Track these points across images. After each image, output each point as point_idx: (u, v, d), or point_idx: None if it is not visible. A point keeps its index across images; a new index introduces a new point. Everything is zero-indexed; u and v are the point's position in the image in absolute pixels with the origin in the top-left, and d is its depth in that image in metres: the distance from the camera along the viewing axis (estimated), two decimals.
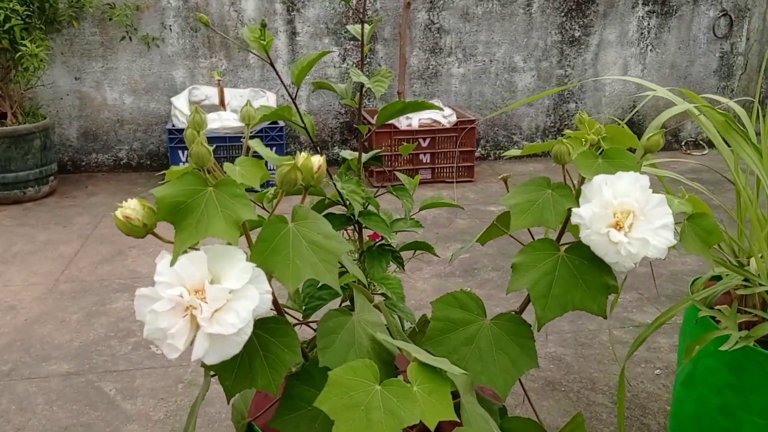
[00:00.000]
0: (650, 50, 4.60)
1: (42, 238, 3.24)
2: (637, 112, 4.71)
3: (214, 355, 0.76)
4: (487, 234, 1.18)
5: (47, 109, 4.10)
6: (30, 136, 3.71)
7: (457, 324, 1.05)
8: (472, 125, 4.06)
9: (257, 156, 0.93)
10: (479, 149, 4.59)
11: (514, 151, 1.12)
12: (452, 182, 4.07)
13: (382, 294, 1.19)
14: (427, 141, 4.09)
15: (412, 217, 1.33)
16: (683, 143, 4.86)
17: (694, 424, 1.46)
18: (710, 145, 4.84)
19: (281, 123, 3.99)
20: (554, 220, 1.00)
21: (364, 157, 1.24)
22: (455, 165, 3.99)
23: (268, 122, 3.94)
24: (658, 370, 2.06)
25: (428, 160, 4.10)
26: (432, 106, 1.20)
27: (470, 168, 4.12)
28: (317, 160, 0.93)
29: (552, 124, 4.65)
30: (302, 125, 1.08)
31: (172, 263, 0.76)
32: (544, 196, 1.04)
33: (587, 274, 0.99)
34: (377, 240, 1.24)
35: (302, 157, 0.93)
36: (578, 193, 1.04)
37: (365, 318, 0.94)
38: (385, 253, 1.19)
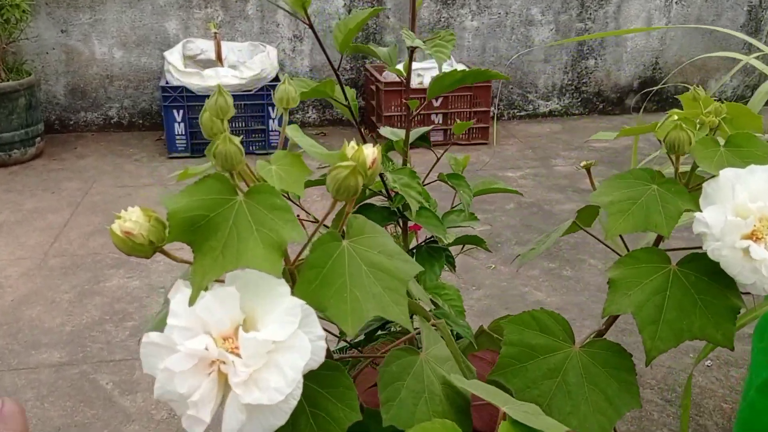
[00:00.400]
0: (675, 3, 4.32)
1: (29, 206, 3.01)
2: (660, 69, 4.46)
3: (253, 430, 0.55)
4: (563, 232, 0.97)
5: (32, 65, 3.82)
6: (14, 94, 3.44)
7: (537, 351, 0.84)
8: (488, 83, 3.81)
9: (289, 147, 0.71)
10: (492, 109, 4.34)
11: (606, 134, 0.90)
12: (466, 144, 3.84)
13: (433, 304, 0.98)
14: (440, 100, 3.84)
15: (454, 206, 1.11)
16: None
17: None
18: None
19: None
20: (665, 225, 0.79)
21: (412, 136, 1.02)
22: (472, 124, 3.76)
23: (269, 81, 3.68)
24: (709, 362, 1.88)
25: (440, 121, 3.86)
26: (497, 75, 0.97)
27: (485, 129, 3.89)
28: (371, 153, 0.71)
29: (569, 82, 4.40)
30: (346, 103, 0.86)
31: (192, 302, 0.55)
32: (648, 193, 0.83)
33: (707, 294, 0.79)
34: (427, 238, 1.03)
35: (350, 147, 0.71)
36: (688, 185, 0.83)
37: (434, 354, 0.74)
38: (438, 254, 0.98)
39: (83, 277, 2.38)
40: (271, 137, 3.72)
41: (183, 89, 3.55)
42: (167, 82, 3.61)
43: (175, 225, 0.57)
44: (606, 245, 0.93)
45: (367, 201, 0.99)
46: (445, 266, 1.03)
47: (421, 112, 3.90)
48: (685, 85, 0.94)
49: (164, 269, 2.43)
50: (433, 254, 0.99)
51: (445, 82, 0.97)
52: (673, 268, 0.81)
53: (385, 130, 1.07)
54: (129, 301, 2.23)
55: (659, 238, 0.89)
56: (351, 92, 0.90)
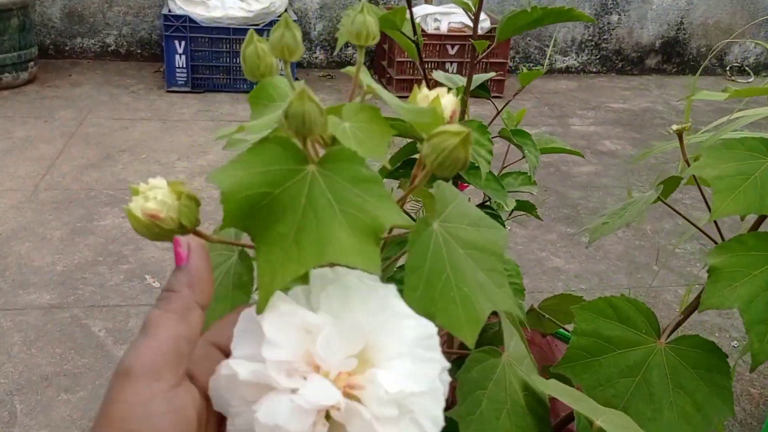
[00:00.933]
0: None
1: (20, 134, 2.84)
2: (684, 30, 4.27)
3: None
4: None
5: None
6: (6, 13, 3.22)
7: (614, 344, 0.72)
8: None
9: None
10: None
11: (714, 95, 0.76)
12: (478, 97, 3.67)
13: None
14: (456, 48, 3.66)
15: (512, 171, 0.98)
16: (728, 68, 4.45)
17: None
18: (756, 72, 4.45)
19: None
20: None
21: (473, 83, 0.87)
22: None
23: (277, 16, 3.47)
24: (734, 342, 1.79)
25: (454, 70, 3.68)
26: (581, 16, 0.82)
27: (500, 82, 3.72)
28: (449, 103, 0.56)
29: (590, 38, 4.21)
30: (413, 39, 0.71)
31: (260, 310, 0.38)
32: (763, 168, 0.70)
33: None
34: (483, 202, 0.90)
35: (425, 94, 0.57)
36: None
37: (513, 354, 0.61)
38: (495, 220, 0.84)
39: (76, 213, 2.24)
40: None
41: (186, 19, 3.34)
42: (170, 11, 3.39)
43: (231, 209, 0.40)
44: (700, 229, 0.81)
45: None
46: None
47: (435, 59, 3.72)
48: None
49: None
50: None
51: (520, 22, 0.82)
52: None
53: (438, 75, 0.92)
54: (124, 242, 2.10)
55: (759, 222, 0.76)
56: (418, 26, 0.75)
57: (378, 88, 0.55)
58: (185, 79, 3.46)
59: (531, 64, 4.20)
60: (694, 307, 0.80)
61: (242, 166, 0.42)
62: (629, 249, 2.23)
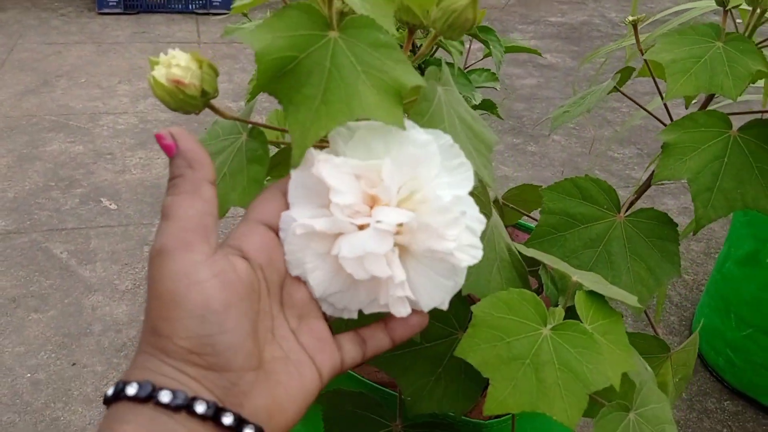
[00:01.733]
0: None
1: None
2: None
3: (449, 296, 0.45)
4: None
5: None
6: None
7: (579, 220, 0.80)
8: None
9: None
10: None
11: None
12: None
13: None
14: None
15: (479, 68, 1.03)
16: None
17: (753, 308, 1.33)
18: None
19: None
20: (733, 87, 0.74)
21: None
22: None
23: None
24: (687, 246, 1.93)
25: None
26: None
27: None
28: None
29: None
30: None
31: (296, 163, 0.42)
32: (713, 51, 0.76)
33: (765, 163, 0.75)
34: None
35: None
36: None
37: (494, 220, 0.68)
38: None
39: (20, 140, 2.18)
40: None
41: None
42: None
43: (263, 69, 0.43)
44: (652, 114, 0.87)
45: None
46: None
47: None
48: None
49: (109, 134, 2.25)
50: None
51: None
52: (734, 133, 0.76)
53: None
54: (74, 167, 2.06)
55: (707, 102, 0.84)
56: None
57: None
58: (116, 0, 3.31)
59: None
60: (647, 185, 0.88)
61: (269, 30, 0.45)
62: (572, 156, 2.34)
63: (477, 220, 0.43)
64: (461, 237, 0.42)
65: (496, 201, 1.07)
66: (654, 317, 1.60)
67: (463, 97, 0.90)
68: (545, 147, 2.40)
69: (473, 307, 0.57)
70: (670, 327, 1.58)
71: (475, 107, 0.99)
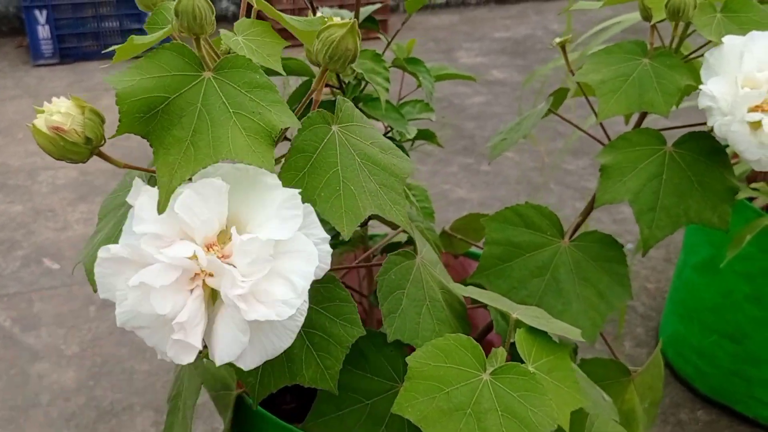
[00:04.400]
0: None
1: None
2: None
3: (255, 354, 0.44)
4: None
5: None
6: None
7: (523, 249, 0.77)
8: None
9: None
10: None
11: (589, 2, 0.80)
12: (364, 39, 3.65)
13: None
14: None
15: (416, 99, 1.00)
16: None
17: (715, 314, 1.31)
18: None
19: None
20: (663, 103, 0.72)
21: (360, 16, 0.87)
22: None
23: None
24: (630, 245, 1.93)
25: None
26: None
27: (383, 22, 3.70)
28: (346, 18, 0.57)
29: None
30: None
31: (162, 208, 0.43)
32: (641, 69, 0.75)
33: (705, 176, 0.73)
34: (386, 132, 0.91)
35: (318, 17, 0.58)
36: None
37: (427, 257, 0.64)
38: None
39: None
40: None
41: None
42: None
43: (127, 111, 0.45)
44: (589, 135, 0.86)
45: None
46: None
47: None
48: None
49: (48, 191, 2.17)
50: None
51: None
52: (669, 149, 0.74)
53: (325, 11, 0.91)
54: (14, 228, 1.98)
55: (641, 120, 0.82)
56: None
57: (268, 6, 0.55)
58: (52, 50, 3.23)
59: None
60: (590, 208, 0.85)
61: (139, 71, 0.45)
62: (526, 171, 2.33)
63: (301, 275, 0.42)
64: (272, 289, 0.41)
65: (443, 233, 1.04)
66: (616, 334, 1.58)
67: (396, 132, 0.87)
68: (498, 165, 2.39)
69: (408, 359, 0.53)
70: (636, 339, 1.56)
71: (412, 140, 0.96)
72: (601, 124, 0.87)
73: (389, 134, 0.92)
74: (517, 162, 2.40)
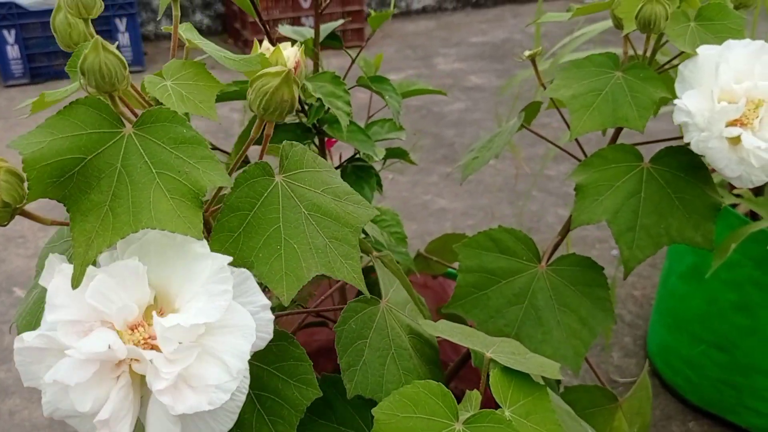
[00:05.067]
0: None
1: None
2: None
3: None
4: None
5: None
6: None
7: (499, 276, 0.73)
8: None
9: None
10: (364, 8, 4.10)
11: (556, 15, 0.76)
12: (339, 49, 3.61)
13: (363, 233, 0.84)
14: (309, 1, 3.56)
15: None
16: None
17: (700, 323, 1.28)
18: None
19: None
20: (638, 118, 0.68)
21: (321, 33, 0.84)
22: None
23: None
24: (614, 251, 1.90)
25: (311, 25, 3.59)
26: None
27: (359, 30, 3.67)
28: (292, 54, 0.53)
29: None
30: None
31: (76, 283, 0.39)
32: (613, 82, 0.71)
33: (685, 192, 0.70)
34: (353, 156, 0.87)
35: (264, 48, 0.54)
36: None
37: (394, 300, 0.60)
38: (368, 174, 0.83)
39: None
40: (122, 53, 3.30)
41: (13, 5, 3.04)
42: None
43: (36, 177, 0.41)
44: (564, 150, 0.82)
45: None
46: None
47: (291, 15, 3.61)
48: None
49: (18, 216, 2.11)
50: (361, 175, 0.84)
51: None
52: (646, 166, 0.71)
53: (285, 29, 0.87)
54: None
55: (617, 135, 0.79)
56: None
57: (201, 41, 0.50)
58: (22, 70, 3.17)
59: (385, 7, 4.17)
60: (567, 227, 0.82)
61: (50, 131, 0.41)
62: (508, 179, 2.30)
63: (235, 355, 0.38)
64: (204, 372, 0.37)
65: (419, 255, 1.00)
66: (603, 345, 1.55)
67: (363, 155, 0.83)
68: (479, 173, 2.35)
69: (374, 410, 0.49)
70: (624, 349, 1.53)
71: (384, 158, 0.91)
72: (578, 141, 0.84)
73: (357, 156, 0.88)
74: (499, 170, 2.37)
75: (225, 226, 0.44)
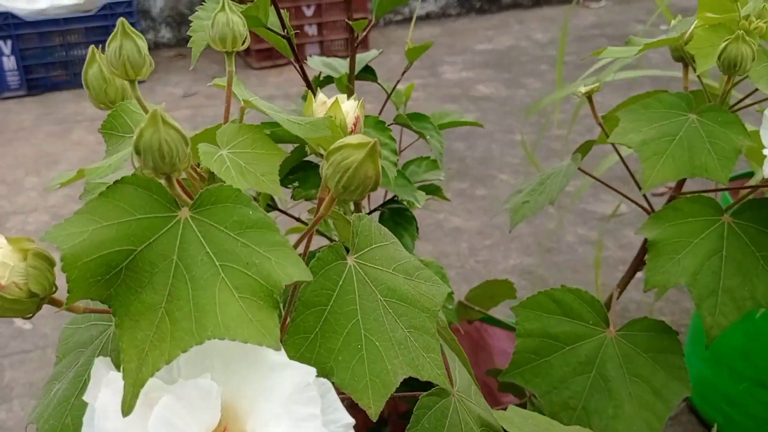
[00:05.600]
0: None
1: None
2: None
3: None
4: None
5: None
6: None
7: (562, 341, 0.66)
8: None
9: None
10: (369, 16, 4.03)
11: (620, 50, 0.69)
12: (345, 57, 3.54)
13: None
14: (312, 9, 3.49)
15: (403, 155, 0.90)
16: None
17: (743, 359, 1.21)
18: None
19: None
20: (720, 168, 0.61)
21: (356, 66, 0.76)
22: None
23: None
24: (639, 273, 1.82)
25: (315, 32, 3.52)
26: None
27: (364, 38, 3.59)
28: (351, 108, 0.46)
29: None
30: (284, 33, 0.59)
31: (127, 410, 0.33)
32: (688, 126, 0.64)
33: None
34: (387, 200, 0.80)
35: (320, 101, 0.46)
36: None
37: (462, 385, 0.53)
38: (407, 222, 0.75)
39: None
40: None
41: (8, 15, 2.96)
42: None
43: (79, 278, 0.33)
44: (634, 202, 0.75)
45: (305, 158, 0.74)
46: None
47: (294, 24, 3.53)
48: None
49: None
50: (400, 221, 0.77)
51: None
52: (727, 220, 0.64)
53: (315, 62, 0.80)
54: None
55: (683, 181, 0.72)
56: (286, 15, 0.63)
57: (258, 101, 0.43)
58: (19, 82, 3.09)
59: (391, 15, 4.11)
60: (627, 279, 0.76)
61: (92, 218, 0.34)
62: None
63: None
64: None
65: (459, 304, 0.93)
66: None
67: (405, 202, 0.75)
68: (494, 189, 2.28)
69: None
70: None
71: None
72: (629, 172, 0.77)
73: (394, 198, 0.80)
74: (513, 185, 2.29)
75: (300, 327, 0.37)
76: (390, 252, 0.43)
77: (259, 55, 3.42)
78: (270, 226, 0.34)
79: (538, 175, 0.83)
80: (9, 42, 3.01)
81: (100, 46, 0.42)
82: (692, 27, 0.68)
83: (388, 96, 0.82)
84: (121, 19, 0.33)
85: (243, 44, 0.41)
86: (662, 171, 0.63)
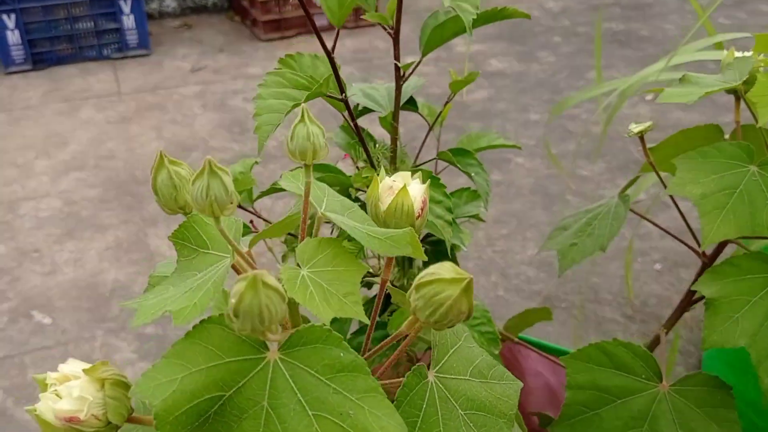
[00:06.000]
0: None
1: None
2: None
3: None
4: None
5: None
6: None
7: (614, 394, 0.65)
8: None
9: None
10: None
11: (678, 95, 0.67)
12: (353, 28, 3.47)
13: None
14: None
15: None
16: None
17: None
18: None
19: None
20: None
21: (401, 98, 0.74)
22: None
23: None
24: (657, 264, 1.82)
25: (326, 21, 3.43)
26: (519, 14, 0.70)
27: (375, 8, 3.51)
28: (418, 193, 0.44)
29: None
30: (341, 98, 0.57)
31: None
32: (748, 179, 0.62)
33: None
34: (425, 236, 0.78)
35: (387, 185, 0.45)
36: None
37: None
38: (445, 253, 0.74)
39: None
40: (127, 37, 3.15)
41: None
42: None
43: (170, 430, 0.32)
44: (689, 247, 0.73)
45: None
46: None
47: (302, 31, 3.44)
48: None
49: (32, 225, 2.02)
50: (440, 258, 0.75)
51: (447, 33, 0.69)
52: None
53: (355, 91, 0.78)
54: None
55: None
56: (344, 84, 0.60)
57: (335, 217, 0.41)
58: (24, 56, 3.03)
59: None
60: (672, 322, 0.75)
61: (181, 362, 0.33)
62: (540, 180, 2.21)
63: None
64: None
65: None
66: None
67: (452, 246, 0.74)
68: (509, 173, 2.26)
69: None
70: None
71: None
72: (681, 214, 0.75)
73: (431, 235, 0.79)
74: (529, 169, 2.27)
75: None
76: (465, 353, 0.42)
77: (267, 26, 3.34)
78: (361, 368, 0.33)
79: (583, 209, 0.81)
80: (13, 16, 2.94)
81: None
82: (750, 68, 0.66)
83: (431, 128, 0.80)
84: (209, 158, 0.31)
85: (323, 155, 0.39)
86: (722, 227, 0.61)
